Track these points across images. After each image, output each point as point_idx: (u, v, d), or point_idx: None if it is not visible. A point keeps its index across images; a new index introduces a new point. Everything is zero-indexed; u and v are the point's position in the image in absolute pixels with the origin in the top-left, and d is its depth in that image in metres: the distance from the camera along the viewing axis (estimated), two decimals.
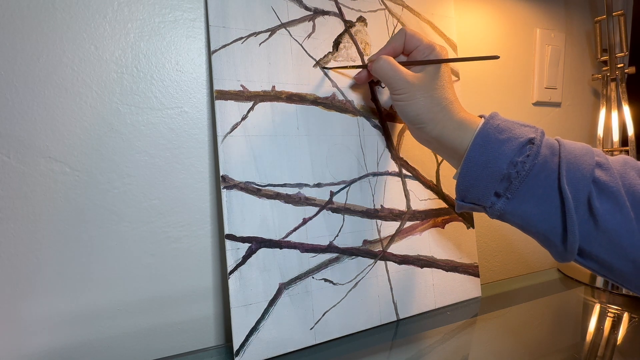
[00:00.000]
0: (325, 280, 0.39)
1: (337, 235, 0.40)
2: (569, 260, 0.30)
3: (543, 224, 0.30)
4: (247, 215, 0.36)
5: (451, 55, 0.48)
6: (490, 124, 0.31)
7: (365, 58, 0.43)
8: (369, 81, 0.43)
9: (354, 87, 0.42)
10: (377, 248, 0.42)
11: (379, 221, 0.42)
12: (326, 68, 0.41)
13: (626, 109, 0.61)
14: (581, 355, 0.37)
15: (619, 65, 0.61)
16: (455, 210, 0.35)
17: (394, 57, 0.35)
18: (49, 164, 0.34)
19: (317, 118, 0.40)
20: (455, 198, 0.34)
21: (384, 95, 0.44)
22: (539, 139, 0.30)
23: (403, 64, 0.34)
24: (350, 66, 0.41)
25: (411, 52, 0.35)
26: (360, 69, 0.40)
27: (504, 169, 0.29)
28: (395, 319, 0.42)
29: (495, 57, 0.31)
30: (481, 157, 0.30)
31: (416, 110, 0.33)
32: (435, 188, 0.47)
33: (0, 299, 0.33)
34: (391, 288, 0.42)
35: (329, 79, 0.41)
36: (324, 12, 0.41)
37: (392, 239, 0.43)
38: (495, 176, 0.30)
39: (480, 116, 0.33)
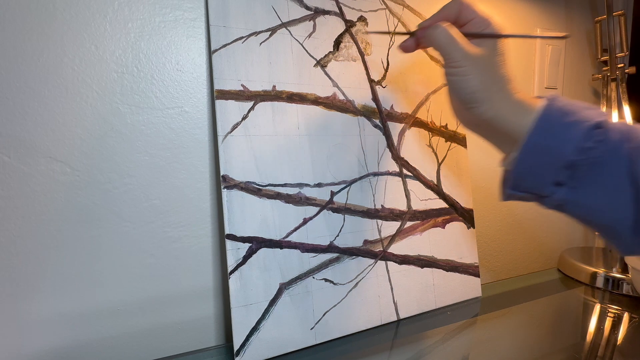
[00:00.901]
0: (326, 280, 0.39)
1: (337, 235, 0.40)
2: (637, 253, 0.29)
3: (611, 215, 0.28)
4: (247, 215, 0.36)
5: None
6: (554, 106, 0.28)
7: (366, 57, 0.43)
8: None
9: (354, 87, 0.42)
10: (378, 248, 0.42)
11: (379, 221, 0.42)
12: (367, 33, 0.35)
13: (626, 109, 0.61)
14: (581, 355, 0.37)
15: (619, 65, 0.61)
16: (502, 199, 0.32)
17: None
18: (49, 164, 0.34)
19: (318, 118, 0.40)
20: (503, 186, 0.31)
21: (384, 94, 0.44)
22: (606, 122, 0.27)
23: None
24: (394, 32, 0.36)
25: (464, 25, 0.32)
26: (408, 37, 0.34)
27: (569, 156, 0.27)
28: (396, 319, 0.42)
29: (566, 37, 0.29)
30: (544, 142, 0.27)
31: (472, 88, 0.29)
32: (435, 188, 0.47)
33: (1, 299, 0.33)
34: (391, 288, 0.42)
35: (330, 78, 0.41)
36: (325, 12, 0.41)
37: (392, 239, 0.43)
38: (558, 163, 0.27)
39: (539, 97, 0.30)
